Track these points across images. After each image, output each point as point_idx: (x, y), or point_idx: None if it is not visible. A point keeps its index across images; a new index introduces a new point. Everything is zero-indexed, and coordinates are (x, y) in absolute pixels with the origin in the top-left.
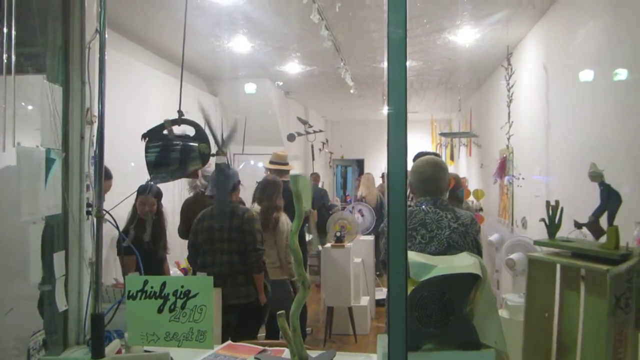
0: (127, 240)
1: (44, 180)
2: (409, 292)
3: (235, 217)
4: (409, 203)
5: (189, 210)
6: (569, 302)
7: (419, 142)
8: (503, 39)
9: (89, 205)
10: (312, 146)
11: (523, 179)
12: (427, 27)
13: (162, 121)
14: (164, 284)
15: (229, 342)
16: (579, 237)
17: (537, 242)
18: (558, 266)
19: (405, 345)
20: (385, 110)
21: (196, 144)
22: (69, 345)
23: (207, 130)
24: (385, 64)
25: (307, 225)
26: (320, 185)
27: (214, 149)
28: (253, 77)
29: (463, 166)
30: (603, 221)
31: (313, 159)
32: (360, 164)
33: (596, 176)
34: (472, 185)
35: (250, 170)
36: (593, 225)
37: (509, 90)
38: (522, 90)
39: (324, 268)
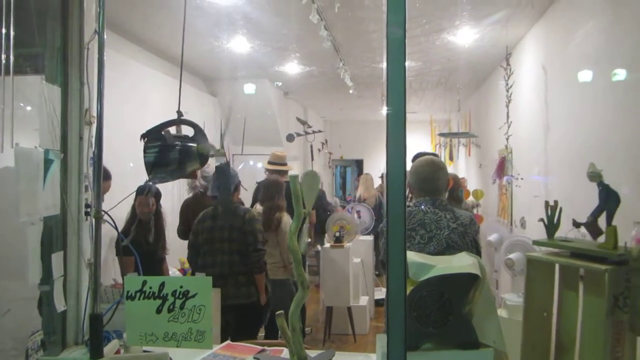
0: (126, 240)
1: (43, 181)
2: (408, 292)
3: (237, 218)
4: (408, 203)
5: (188, 210)
6: (568, 302)
7: (418, 142)
8: (502, 39)
9: (87, 205)
10: (312, 146)
11: (522, 179)
12: (426, 27)
13: (161, 121)
14: (162, 285)
15: (228, 342)
16: (577, 237)
17: (536, 242)
18: (557, 266)
19: (404, 344)
20: (384, 110)
21: (195, 145)
22: (67, 345)
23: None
24: (385, 65)
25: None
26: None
27: (215, 148)
28: (252, 78)
29: (462, 166)
30: (602, 221)
31: (312, 159)
32: (359, 164)
33: (595, 176)
34: (471, 185)
35: (250, 170)
36: (591, 225)
37: (507, 91)
38: (521, 90)
39: (323, 268)
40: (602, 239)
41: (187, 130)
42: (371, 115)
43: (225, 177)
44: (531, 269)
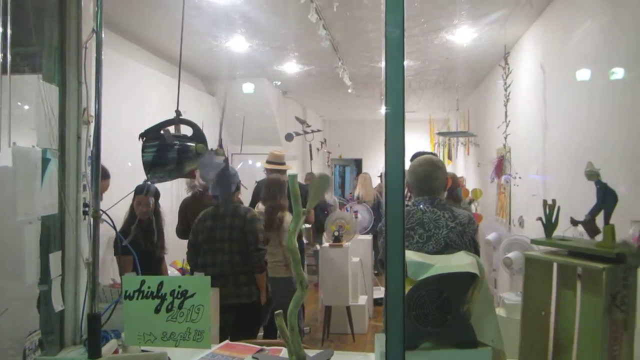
0: (125, 241)
1: (40, 180)
2: (406, 291)
3: (238, 217)
4: (406, 202)
5: (187, 210)
6: (566, 301)
7: (416, 141)
8: (500, 38)
9: (85, 205)
10: (310, 146)
11: (520, 178)
12: (425, 26)
13: (159, 121)
14: (161, 284)
15: (227, 341)
16: (575, 235)
17: (534, 241)
18: (555, 265)
19: (402, 344)
20: (383, 109)
21: (193, 144)
22: (65, 345)
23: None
24: (383, 64)
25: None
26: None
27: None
28: (251, 77)
29: (461, 165)
30: (599, 220)
31: (311, 158)
32: (358, 163)
33: (592, 175)
34: (470, 184)
35: (249, 170)
36: (589, 224)
37: (506, 90)
38: (519, 89)
39: (322, 267)
40: (599, 237)
41: (186, 130)
42: (370, 114)
43: (226, 176)
44: (529, 267)
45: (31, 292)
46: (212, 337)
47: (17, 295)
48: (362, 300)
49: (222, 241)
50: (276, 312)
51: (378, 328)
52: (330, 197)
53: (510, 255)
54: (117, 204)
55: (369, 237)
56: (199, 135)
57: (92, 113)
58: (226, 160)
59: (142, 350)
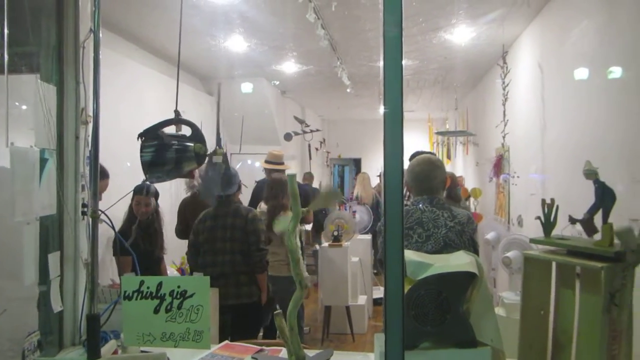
0: (126, 244)
1: (38, 180)
2: (405, 290)
3: (239, 217)
4: (405, 202)
5: (186, 210)
6: (565, 300)
7: (415, 141)
8: (498, 37)
9: (84, 205)
10: (309, 145)
11: (518, 177)
12: (423, 25)
13: (157, 121)
14: (160, 285)
15: (227, 341)
16: (573, 233)
17: (532, 240)
18: (553, 264)
19: (402, 344)
20: (381, 109)
21: (192, 144)
22: (64, 346)
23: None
24: (381, 63)
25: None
26: (317, 186)
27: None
28: (249, 77)
29: (460, 165)
30: (598, 219)
31: (310, 158)
32: (357, 163)
33: (591, 174)
34: (469, 183)
35: (248, 169)
36: (587, 223)
37: (504, 89)
38: (517, 88)
39: (322, 267)
40: (597, 236)
41: (185, 130)
42: (369, 114)
43: (227, 177)
44: (528, 267)
45: (30, 292)
46: (212, 338)
47: (16, 296)
48: (362, 300)
49: (223, 241)
50: (275, 312)
51: (378, 328)
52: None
53: (509, 254)
54: (115, 204)
55: (368, 236)
56: (197, 135)
57: (90, 113)
58: (226, 160)
59: (142, 351)
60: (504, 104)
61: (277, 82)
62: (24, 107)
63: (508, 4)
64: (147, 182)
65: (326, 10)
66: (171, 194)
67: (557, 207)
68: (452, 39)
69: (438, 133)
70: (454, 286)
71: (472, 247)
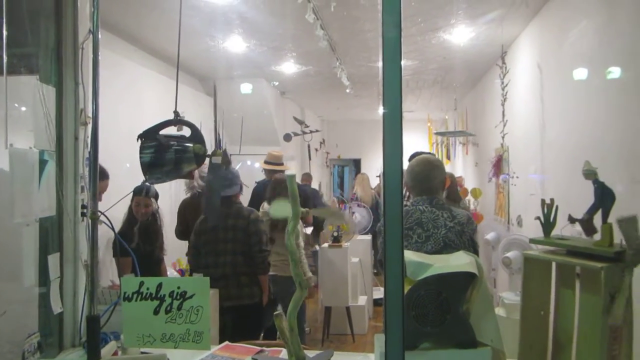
0: (125, 244)
1: (38, 182)
2: (405, 291)
3: (241, 218)
4: (405, 202)
5: (186, 211)
6: (565, 300)
7: (415, 141)
8: (497, 38)
9: (83, 206)
10: (309, 146)
11: (517, 177)
12: (422, 26)
13: (157, 121)
14: (159, 286)
15: (227, 342)
16: (572, 233)
17: (532, 240)
18: (553, 264)
19: (402, 344)
20: (381, 109)
21: (191, 145)
22: (64, 347)
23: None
24: (380, 64)
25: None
26: (317, 187)
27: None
28: (249, 77)
29: (459, 165)
30: (597, 219)
31: (310, 158)
32: (357, 163)
33: (590, 174)
34: (468, 183)
35: (247, 170)
36: (586, 223)
37: (503, 89)
38: (516, 89)
39: (322, 268)
40: (597, 237)
41: (184, 130)
42: (368, 114)
43: (229, 178)
44: (528, 267)
45: (29, 294)
46: (212, 338)
47: (16, 297)
48: (362, 300)
49: (225, 242)
50: (275, 312)
51: (378, 328)
52: (330, 197)
53: (509, 254)
54: (115, 205)
55: (368, 237)
56: (197, 135)
57: (90, 114)
58: (226, 159)
59: (142, 352)
60: (503, 104)
61: (277, 83)
62: (23, 108)
63: (507, 4)
64: (147, 183)
65: (325, 10)
66: (171, 195)
67: (557, 207)
68: (451, 39)
69: (437, 133)
70: (454, 286)
71: (472, 247)
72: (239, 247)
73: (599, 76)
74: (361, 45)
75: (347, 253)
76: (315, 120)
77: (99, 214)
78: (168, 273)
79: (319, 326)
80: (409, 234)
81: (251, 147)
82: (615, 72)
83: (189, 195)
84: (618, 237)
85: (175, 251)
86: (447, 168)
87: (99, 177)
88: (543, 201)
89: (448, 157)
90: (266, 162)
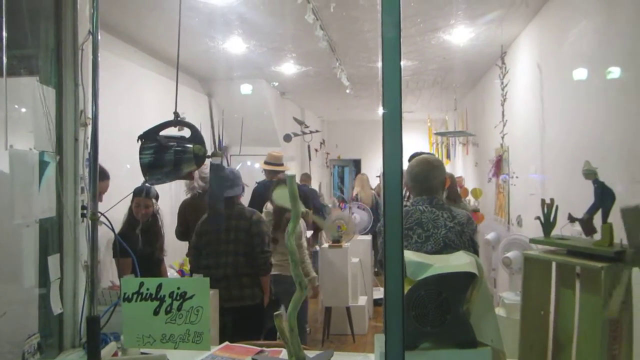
0: (125, 245)
1: (38, 183)
2: (405, 291)
3: (243, 219)
4: (405, 202)
5: (186, 211)
6: (565, 300)
7: (415, 141)
8: (497, 38)
9: (83, 207)
10: (309, 146)
11: (517, 177)
12: (421, 26)
13: (157, 122)
14: (159, 286)
15: (227, 343)
16: (573, 233)
17: (532, 240)
18: (553, 264)
19: (402, 344)
20: (381, 110)
21: (190, 146)
22: (64, 348)
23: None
24: (380, 64)
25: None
26: (317, 187)
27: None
28: (248, 78)
29: (459, 165)
30: (597, 219)
31: (310, 159)
32: (357, 164)
33: (590, 174)
34: (469, 184)
35: (247, 171)
36: (586, 223)
37: (503, 90)
38: (516, 89)
39: (322, 268)
40: (597, 236)
41: (184, 131)
42: (368, 114)
43: (231, 179)
44: (528, 267)
45: (30, 295)
46: (212, 339)
47: (16, 298)
48: (362, 300)
49: (227, 243)
50: (275, 313)
51: (378, 328)
52: (330, 198)
53: (509, 254)
54: (115, 206)
55: (368, 237)
56: (197, 136)
57: (89, 115)
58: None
59: (142, 353)
60: (502, 105)
61: (277, 84)
62: (23, 109)
63: (506, 4)
64: (147, 184)
65: (325, 11)
66: (171, 196)
67: (557, 207)
68: (451, 40)
69: (437, 134)
70: (454, 286)
71: (472, 247)
72: (241, 248)
73: (599, 76)
74: (361, 45)
75: (347, 253)
76: (315, 120)
77: (99, 214)
78: (169, 274)
79: (319, 326)
80: (409, 234)
81: (251, 148)
82: (615, 72)
83: (189, 196)
84: (618, 238)
85: (175, 252)
86: (447, 168)
87: (100, 177)
88: (543, 201)
89: (448, 157)
90: (266, 163)
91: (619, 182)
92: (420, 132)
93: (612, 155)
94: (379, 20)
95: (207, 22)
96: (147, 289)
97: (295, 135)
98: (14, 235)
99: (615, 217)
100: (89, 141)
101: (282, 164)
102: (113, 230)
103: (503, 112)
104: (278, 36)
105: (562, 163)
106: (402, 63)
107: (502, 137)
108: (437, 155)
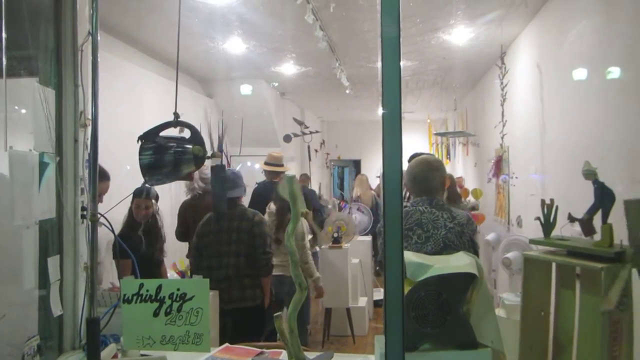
0: (125, 246)
1: (38, 184)
2: (405, 292)
3: (245, 220)
4: (405, 203)
5: (186, 212)
6: (565, 300)
7: (415, 142)
8: (497, 38)
9: (83, 208)
10: (309, 147)
11: (517, 178)
12: (421, 26)
13: (157, 123)
14: (159, 287)
15: (227, 344)
16: (572, 234)
17: (532, 241)
18: (553, 265)
19: (402, 345)
20: (380, 110)
21: (190, 146)
22: (64, 350)
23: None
24: (380, 64)
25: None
26: (317, 187)
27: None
28: (248, 79)
29: (460, 166)
30: (597, 219)
31: (310, 159)
32: (357, 164)
33: (590, 174)
34: (468, 184)
35: (247, 171)
36: (586, 223)
37: (502, 90)
38: (516, 89)
39: (322, 269)
40: (597, 237)
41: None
42: (368, 115)
43: (234, 180)
44: (528, 268)
45: (29, 297)
46: (212, 340)
47: (16, 300)
48: (362, 302)
49: (228, 244)
50: (275, 314)
51: (378, 330)
52: (330, 198)
53: (509, 255)
54: (114, 207)
55: (369, 238)
56: (197, 137)
57: (89, 116)
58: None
59: (142, 354)
60: (502, 105)
61: (276, 84)
62: (23, 110)
63: (506, 4)
64: (147, 185)
65: (324, 11)
66: (171, 197)
67: (557, 207)
68: (451, 40)
69: (437, 134)
70: (454, 287)
71: (472, 248)
72: (243, 249)
73: (599, 76)
74: (360, 45)
75: (347, 254)
76: (315, 121)
77: (99, 216)
78: (168, 275)
79: (319, 327)
80: (409, 234)
81: (251, 148)
82: (614, 72)
83: (189, 196)
84: (618, 238)
85: (175, 253)
86: (448, 168)
87: (100, 178)
88: (543, 202)
89: (448, 158)
90: (266, 163)
91: (619, 182)
92: (420, 132)
93: (612, 155)
94: (379, 20)
95: (207, 22)
96: (147, 291)
97: (295, 135)
98: (13, 237)
99: (615, 218)
100: (88, 142)
101: (282, 165)
102: (113, 231)
103: (503, 112)
104: (278, 36)
105: (562, 163)
106: (401, 63)
107: (502, 138)
108: (437, 156)
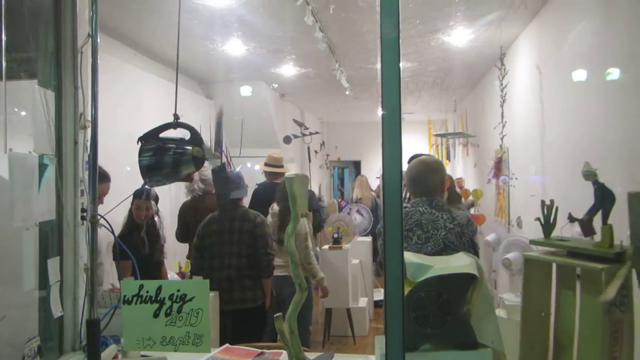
0: (125, 247)
1: (38, 186)
2: (406, 292)
3: (247, 221)
4: (405, 204)
5: (186, 214)
6: (565, 301)
7: (415, 143)
8: (496, 39)
9: (83, 210)
10: (309, 148)
11: (517, 178)
12: (421, 27)
13: (157, 124)
14: (159, 288)
15: (227, 345)
16: (573, 234)
17: (533, 242)
18: (554, 265)
19: (402, 346)
20: (380, 111)
21: (190, 148)
22: (64, 351)
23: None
24: (379, 65)
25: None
26: (317, 188)
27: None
28: (248, 80)
29: (460, 166)
30: (596, 219)
31: (309, 160)
32: (357, 165)
33: (590, 175)
34: (468, 185)
35: (247, 172)
36: (586, 224)
37: (502, 91)
38: (516, 90)
39: (322, 270)
40: (597, 238)
41: (184, 132)
42: (368, 116)
43: (235, 181)
44: (528, 268)
45: (29, 298)
46: (212, 341)
47: (16, 301)
48: (363, 302)
49: (230, 245)
50: (275, 315)
51: (379, 330)
52: (330, 198)
53: (509, 256)
54: (114, 208)
55: (369, 239)
56: (196, 138)
57: (89, 118)
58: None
59: (142, 355)
60: (502, 106)
61: (276, 85)
62: (23, 112)
63: (506, 5)
64: (147, 186)
65: (324, 13)
66: (171, 198)
67: (557, 208)
68: (450, 41)
69: (436, 135)
70: (455, 288)
71: (472, 248)
72: (244, 250)
73: (598, 77)
74: (360, 47)
75: (348, 255)
76: (315, 122)
77: (99, 217)
78: (169, 276)
79: (319, 328)
80: (409, 235)
81: (251, 150)
82: (614, 73)
83: (189, 197)
84: (618, 239)
85: (175, 254)
86: (448, 169)
87: (100, 179)
88: (543, 202)
89: (448, 159)
90: (266, 165)
91: (619, 183)
92: (420, 133)
93: (612, 155)
94: (378, 21)
95: (207, 24)
96: (147, 292)
97: (295, 136)
98: (13, 238)
99: (615, 219)
100: (88, 144)
101: (282, 166)
102: (113, 232)
103: (502, 113)
104: (277, 38)
105: (562, 164)
106: (401, 64)
107: (502, 138)
108: (437, 157)
